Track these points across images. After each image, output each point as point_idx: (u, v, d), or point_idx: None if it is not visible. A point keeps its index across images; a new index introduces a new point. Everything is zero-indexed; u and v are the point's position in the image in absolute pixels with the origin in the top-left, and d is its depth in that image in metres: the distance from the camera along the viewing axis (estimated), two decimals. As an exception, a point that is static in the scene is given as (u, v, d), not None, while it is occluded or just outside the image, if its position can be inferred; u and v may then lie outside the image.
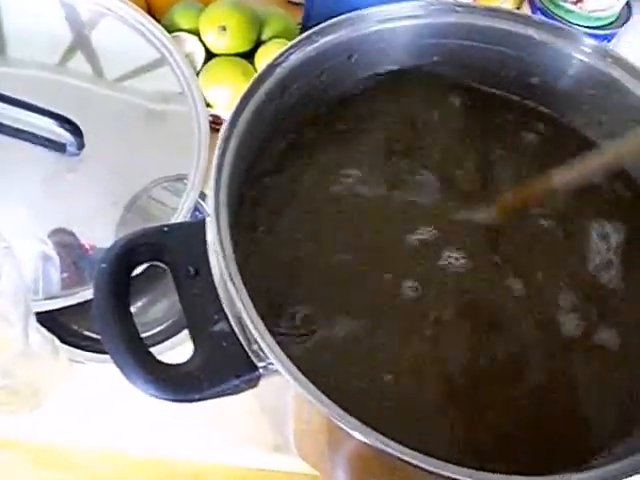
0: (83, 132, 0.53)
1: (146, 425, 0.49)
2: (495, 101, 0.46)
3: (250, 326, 0.30)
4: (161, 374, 0.30)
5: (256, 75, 0.38)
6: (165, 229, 0.34)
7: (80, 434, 0.49)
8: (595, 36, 0.62)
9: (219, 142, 0.35)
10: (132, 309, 0.53)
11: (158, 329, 0.53)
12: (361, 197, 0.41)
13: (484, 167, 0.44)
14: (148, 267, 0.48)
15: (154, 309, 0.54)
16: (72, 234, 0.52)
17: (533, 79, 0.45)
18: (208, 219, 0.33)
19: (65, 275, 0.50)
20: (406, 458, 0.29)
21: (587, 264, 0.41)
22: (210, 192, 0.33)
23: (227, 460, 0.50)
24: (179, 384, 0.30)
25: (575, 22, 0.63)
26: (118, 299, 0.31)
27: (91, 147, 0.54)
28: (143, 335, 0.51)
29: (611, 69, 0.41)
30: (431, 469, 0.29)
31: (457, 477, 0.29)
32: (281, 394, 0.39)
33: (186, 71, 0.58)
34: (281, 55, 0.39)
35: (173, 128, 0.57)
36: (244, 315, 0.31)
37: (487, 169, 0.43)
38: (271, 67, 0.38)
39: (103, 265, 0.32)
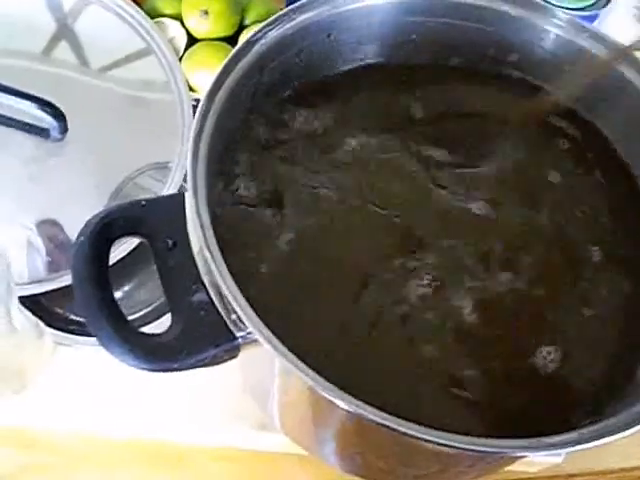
0: (66, 117, 0.53)
1: (130, 408, 0.49)
2: (476, 78, 0.46)
3: (229, 296, 0.31)
4: (139, 343, 0.30)
5: (234, 51, 0.38)
6: (143, 203, 0.34)
7: (63, 417, 0.49)
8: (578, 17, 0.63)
9: (197, 115, 0.35)
10: (120, 293, 0.55)
11: (146, 310, 0.53)
12: (343, 171, 0.41)
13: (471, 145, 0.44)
14: (135, 250, 0.50)
15: (142, 291, 0.55)
16: (56, 222, 0.52)
17: (512, 56, 0.45)
18: (186, 192, 0.34)
19: (49, 259, 0.51)
20: (387, 423, 0.29)
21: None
22: (188, 164, 0.33)
23: (212, 441, 0.50)
24: (157, 353, 0.30)
25: (557, 4, 0.63)
26: (97, 271, 0.32)
27: (75, 134, 0.54)
28: (132, 317, 0.53)
29: (586, 42, 0.42)
30: (418, 435, 0.29)
31: (445, 442, 0.29)
32: (264, 370, 0.39)
33: (170, 59, 0.58)
34: (259, 32, 0.39)
35: (157, 116, 0.57)
36: (222, 285, 0.31)
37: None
38: (249, 44, 0.39)
39: (81, 238, 0.32)
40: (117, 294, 0.55)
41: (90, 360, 0.50)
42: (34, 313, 0.48)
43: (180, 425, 0.49)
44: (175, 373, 0.48)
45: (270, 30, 0.40)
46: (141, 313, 0.54)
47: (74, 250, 0.32)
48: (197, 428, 0.49)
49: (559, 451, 0.30)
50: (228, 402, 0.49)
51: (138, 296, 0.55)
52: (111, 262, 0.48)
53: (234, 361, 0.46)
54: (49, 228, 0.52)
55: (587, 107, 0.44)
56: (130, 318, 0.54)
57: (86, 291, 0.31)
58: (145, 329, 0.43)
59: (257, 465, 0.51)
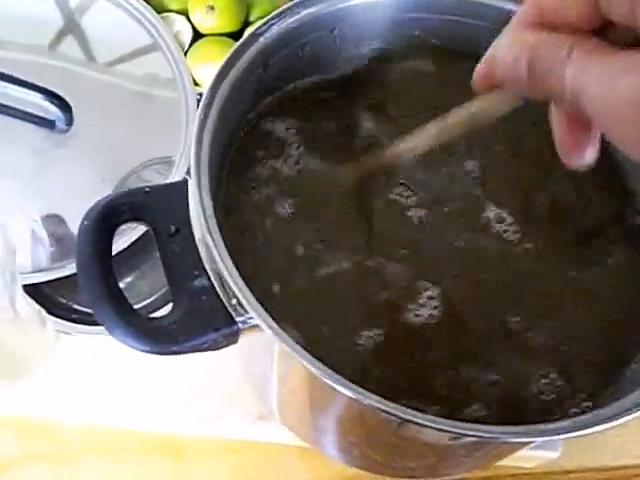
0: (72, 108, 0.54)
1: (130, 399, 0.50)
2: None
3: (230, 281, 0.31)
4: (140, 325, 0.31)
5: (238, 43, 0.38)
6: (147, 189, 0.35)
7: (64, 406, 0.50)
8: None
9: (201, 104, 0.35)
10: (122, 284, 0.55)
11: (148, 301, 0.54)
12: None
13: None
14: (137, 241, 0.51)
15: (144, 282, 0.55)
16: (60, 213, 0.52)
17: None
18: (189, 180, 0.34)
19: (53, 249, 0.51)
20: (383, 407, 0.29)
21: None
22: (192, 151, 0.34)
23: (211, 432, 0.51)
24: (157, 335, 0.31)
25: None
26: (100, 255, 0.32)
27: (81, 127, 0.54)
28: (137, 306, 0.54)
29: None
30: (412, 418, 0.29)
31: (447, 429, 0.29)
32: (264, 359, 0.40)
33: (176, 55, 0.59)
34: (263, 25, 0.39)
35: (163, 110, 0.58)
36: (223, 271, 0.31)
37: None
38: (253, 37, 0.39)
39: (86, 223, 0.33)
40: (119, 285, 0.56)
41: (92, 349, 0.50)
42: (37, 302, 0.49)
43: (180, 416, 0.50)
44: (176, 365, 0.50)
45: (274, 24, 0.40)
46: (143, 304, 0.54)
47: (78, 236, 0.33)
48: (196, 419, 0.50)
49: (553, 438, 0.30)
50: (227, 394, 0.49)
51: (141, 287, 0.55)
52: (114, 253, 0.50)
53: (234, 353, 0.47)
54: (53, 219, 0.53)
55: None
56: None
57: (90, 272, 0.31)
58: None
59: (256, 456, 0.51)
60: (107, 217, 0.33)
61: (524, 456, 0.50)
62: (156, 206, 0.34)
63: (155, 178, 0.55)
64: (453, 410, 0.35)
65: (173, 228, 0.34)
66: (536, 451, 0.49)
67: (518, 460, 0.51)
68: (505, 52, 0.26)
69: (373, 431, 0.38)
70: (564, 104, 0.25)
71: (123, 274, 0.57)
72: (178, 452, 0.51)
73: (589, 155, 0.28)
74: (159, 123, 0.57)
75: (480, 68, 0.28)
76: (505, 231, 0.40)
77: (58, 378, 0.50)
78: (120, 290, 0.32)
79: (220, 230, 0.32)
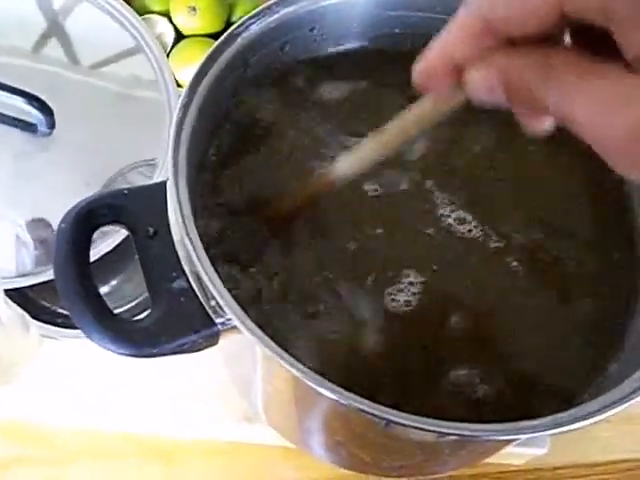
0: (54, 112, 0.53)
1: (117, 402, 0.49)
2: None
3: (208, 284, 0.31)
4: (118, 328, 0.31)
5: (216, 43, 0.38)
6: (125, 192, 0.34)
7: (51, 411, 0.50)
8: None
9: (179, 105, 0.35)
10: (107, 287, 0.55)
11: (132, 304, 0.54)
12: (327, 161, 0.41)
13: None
14: (121, 244, 0.50)
15: (129, 285, 0.55)
16: (44, 217, 0.52)
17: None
18: (168, 181, 0.34)
19: (37, 254, 0.51)
20: (363, 407, 0.29)
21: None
22: (169, 152, 0.34)
23: (198, 434, 0.51)
24: (136, 338, 0.31)
25: None
26: (77, 258, 0.32)
27: (64, 131, 0.54)
28: (119, 310, 0.54)
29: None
30: (394, 419, 0.29)
31: (437, 430, 0.29)
32: (247, 360, 0.39)
33: (159, 57, 0.58)
34: (241, 25, 0.39)
35: (146, 113, 0.58)
36: (202, 273, 0.31)
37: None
38: (231, 37, 0.39)
39: (63, 225, 0.33)
40: (104, 289, 0.56)
41: (80, 353, 0.50)
42: (21, 306, 0.49)
43: (166, 419, 0.50)
44: (163, 368, 0.49)
45: (253, 23, 0.40)
46: (130, 306, 0.54)
47: (56, 239, 0.33)
48: (183, 422, 0.50)
49: (535, 435, 0.30)
50: (213, 396, 0.49)
51: (127, 290, 0.55)
52: (97, 256, 0.50)
53: (219, 355, 0.47)
54: (37, 223, 0.52)
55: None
56: (117, 312, 0.54)
57: (67, 275, 0.31)
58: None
59: (244, 458, 0.51)
60: (85, 219, 0.33)
61: (512, 453, 0.50)
62: (135, 208, 0.34)
63: (140, 181, 0.54)
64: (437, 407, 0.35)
65: (152, 230, 0.34)
66: (523, 448, 0.49)
67: (506, 457, 0.51)
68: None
69: (360, 430, 0.38)
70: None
71: (109, 277, 0.57)
72: (167, 454, 0.51)
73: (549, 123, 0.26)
74: (143, 125, 0.57)
75: (422, 67, 0.26)
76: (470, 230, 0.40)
77: (46, 382, 0.49)
78: (98, 293, 0.32)
79: (199, 231, 0.32)
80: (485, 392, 0.36)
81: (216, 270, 0.31)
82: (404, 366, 0.36)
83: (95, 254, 0.50)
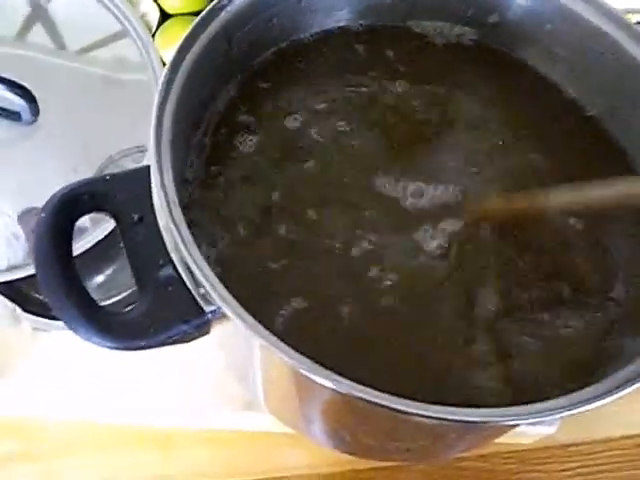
0: (38, 99, 0.52)
1: (112, 392, 0.48)
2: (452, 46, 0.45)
3: (196, 270, 0.30)
4: (104, 321, 0.29)
5: (197, 19, 0.36)
6: (107, 177, 0.33)
7: (45, 404, 0.48)
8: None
9: (160, 85, 0.33)
10: (102, 276, 0.54)
11: (127, 293, 0.52)
12: (315, 143, 0.40)
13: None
14: (115, 230, 0.49)
15: (124, 273, 0.53)
16: (34, 207, 0.51)
17: (491, 17, 0.44)
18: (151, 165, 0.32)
19: (28, 245, 0.50)
20: (359, 394, 0.28)
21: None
22: (151, 135, 0.32)
23: (198, 423, 0.50)
24: (123, 331, 0.29)
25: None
26: (59, 248, 0.30)
27: (51, 117, 0.53)
28: (114, 299, 0.52)
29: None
30: (401, 408, 0.28)
31: (437, 416, 0.28)
32: (244, 347, 0.38)
33: (145, 39, 0.57)
34: (224, -2, 0.38)
35: (134, 98, 0.56)
36: (189, 260, 0.30)
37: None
38: (213, 10, 0.37)
39: (43, 215, 0.31)
40: (99, 278, 0.54)
41: (70, 345, 0.49)
42: (12, 299, 0.47)
43: (165, 409, 0.48)
44: (159, 357, 0.48)
45: (236, -5, 0.38)
46: (124, 294, 0.53)
47: (36, 229, 0.31)
48: (182, 411, 0.49)
49: (546, 419, 0.29)
50: (212, 384, 0.48)
51: (121, 279, 0.54)
52: (90, 244, 0.49)
53: (216, 342, 0.45)
54: (28, 214, 0.51)
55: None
56: (112, 301, 0.53)
57: (48, 268, 0.30)
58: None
59: (245, 445, 0.50)
60: (66, 208, 0.31)
61: (521, 432, 0.49)
62: (118, 194, 0.33)
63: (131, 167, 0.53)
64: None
65: (136, 217, 0.32)
66: (533, 427, 0.48)
67: (515, 437, 0.50)
68: None
69: (361, 416, 0.37)
70: None
71: (104, 265, 0.55)
72: (166, 444, 0.50)
73: None
74: (131, 110, 0.55)
75: None
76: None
77: (39, 375, 0.48)
78: (82, 285, 0.30)
79: (185, 216, 0.31)
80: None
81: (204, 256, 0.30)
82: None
83: (87, 242, 0.49)
